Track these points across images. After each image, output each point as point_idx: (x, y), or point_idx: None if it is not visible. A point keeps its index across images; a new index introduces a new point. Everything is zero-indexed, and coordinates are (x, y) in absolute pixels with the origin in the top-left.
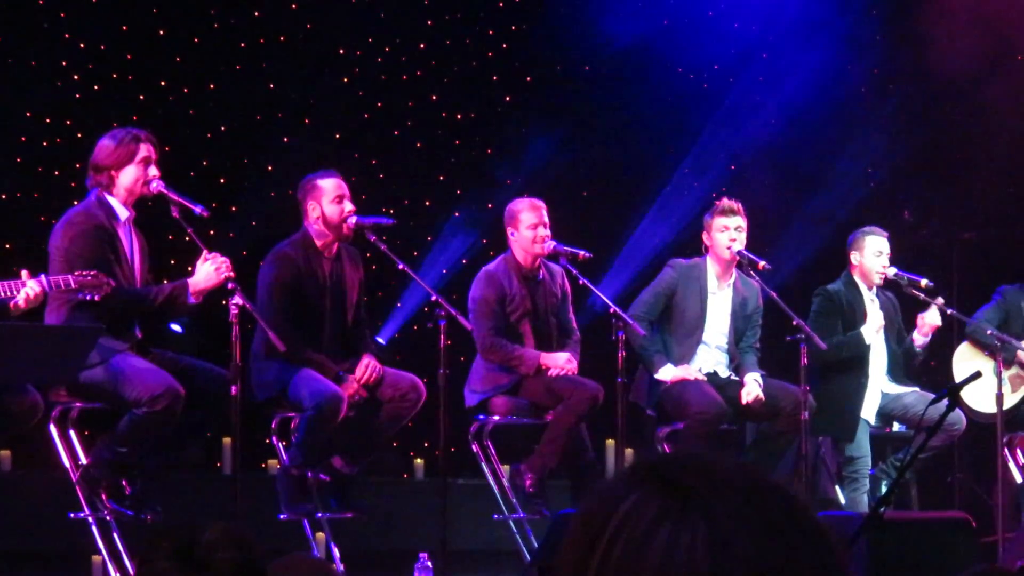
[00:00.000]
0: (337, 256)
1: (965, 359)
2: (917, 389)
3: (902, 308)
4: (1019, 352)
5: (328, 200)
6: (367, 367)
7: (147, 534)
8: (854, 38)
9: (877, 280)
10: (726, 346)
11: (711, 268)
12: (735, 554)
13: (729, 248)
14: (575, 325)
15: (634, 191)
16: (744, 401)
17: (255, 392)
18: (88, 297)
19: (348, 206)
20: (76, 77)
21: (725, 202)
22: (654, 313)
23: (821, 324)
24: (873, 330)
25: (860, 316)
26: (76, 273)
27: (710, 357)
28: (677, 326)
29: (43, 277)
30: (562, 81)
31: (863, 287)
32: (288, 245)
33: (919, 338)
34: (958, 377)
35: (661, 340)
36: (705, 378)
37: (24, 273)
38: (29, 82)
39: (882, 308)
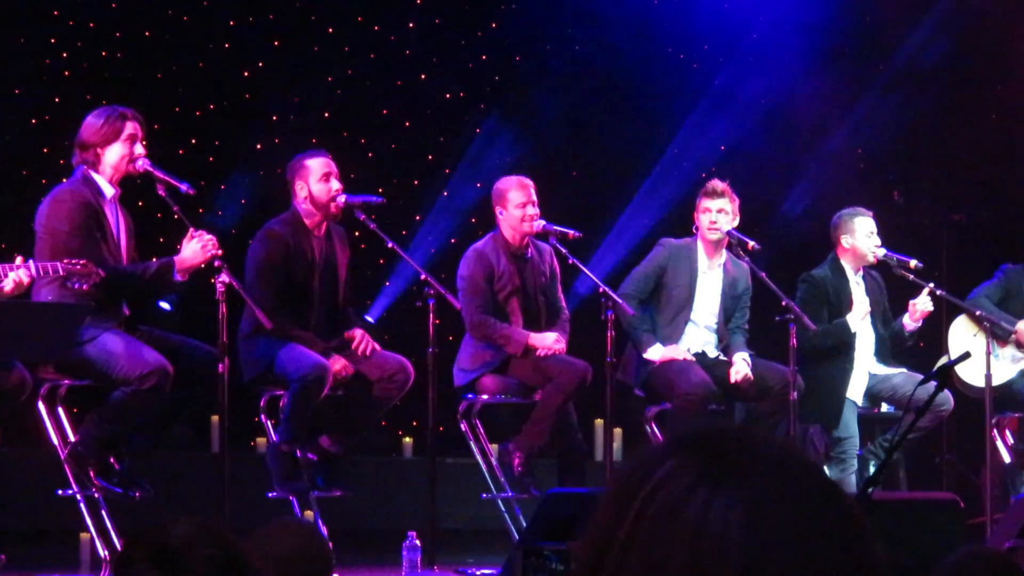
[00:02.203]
0: (327, 235)
1: (961, 330)
2: (905, 370)
3: (889, 289)
4: (1020, 328)
5: (316, 179)
6: (361, 336)
7: (123, 541)
8: (843, 17)
9: (871, 260)
10: (715, 326)
11: (701, 248)
12: (770, 525)
13: (711, 230)
14: (564, 304)
15: (624, 171)
16: (732, 380)
17: (243, 371)
18: (76, 286)
19: (335, 185)
20: (65, 55)
21: (711, 183)
22: (644, 292)
23: (807, 311)
24: (859, 318)
25: (846, 302)
26: (65, 261)
27: (698, 337)
28: (665, 305)
29: (32, 263)
30: (552, 61)
31: (849, 271)
32: (278, 223)
33: (910, 323)
34: (952, 348)
35: (650, 319)
36: (693, 358)
37: (19, 259)
38: (18, 59)
39: (868, 291)
